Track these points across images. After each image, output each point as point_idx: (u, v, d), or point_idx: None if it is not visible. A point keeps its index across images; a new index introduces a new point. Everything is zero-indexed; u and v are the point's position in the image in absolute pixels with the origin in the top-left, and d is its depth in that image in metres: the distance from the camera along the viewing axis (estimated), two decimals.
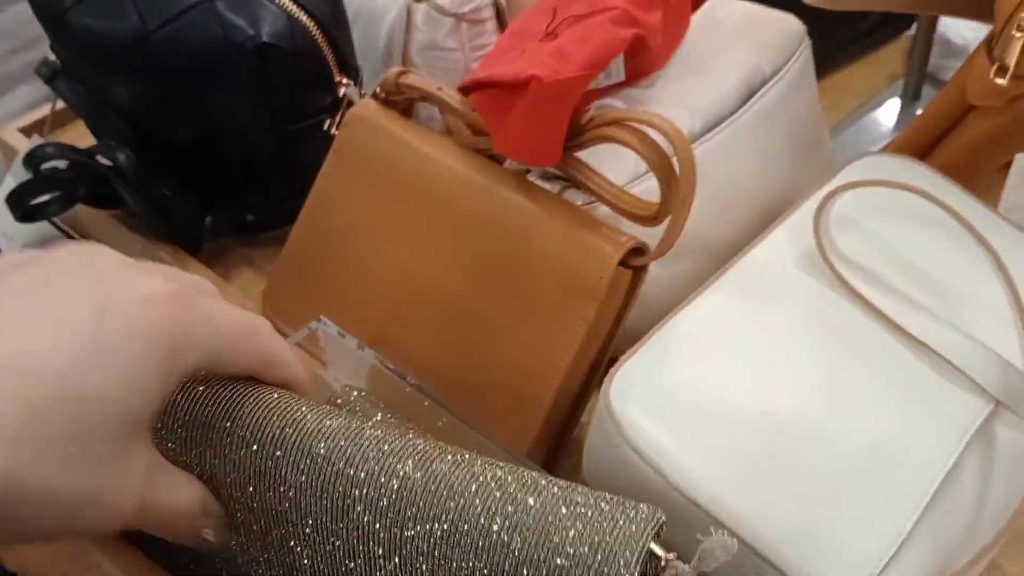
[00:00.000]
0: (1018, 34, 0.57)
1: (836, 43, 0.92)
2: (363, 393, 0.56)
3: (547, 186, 0.61)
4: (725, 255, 0.61)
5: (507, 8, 0.84)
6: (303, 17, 0.68)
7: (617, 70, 0.64)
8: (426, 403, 0.54)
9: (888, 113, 0.86)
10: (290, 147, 0.72)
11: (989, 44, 0.60)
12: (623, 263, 0.55)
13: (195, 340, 0.35)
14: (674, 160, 0.52)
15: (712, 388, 0.50)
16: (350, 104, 0.69)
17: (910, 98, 0.86)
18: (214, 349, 0.37)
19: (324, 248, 0.65)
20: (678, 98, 0.65)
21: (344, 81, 0.71)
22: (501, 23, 0.81)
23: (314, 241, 0.66)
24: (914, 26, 0.86)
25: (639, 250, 0.55)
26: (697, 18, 0.70)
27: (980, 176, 0.69)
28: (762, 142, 0.67)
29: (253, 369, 0.40)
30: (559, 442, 0.59)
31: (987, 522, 0.50)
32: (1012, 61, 0.58)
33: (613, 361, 0.54)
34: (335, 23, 0.71)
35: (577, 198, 0.60)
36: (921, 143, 0.67)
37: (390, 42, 0.77)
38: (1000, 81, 0.59)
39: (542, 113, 0.54)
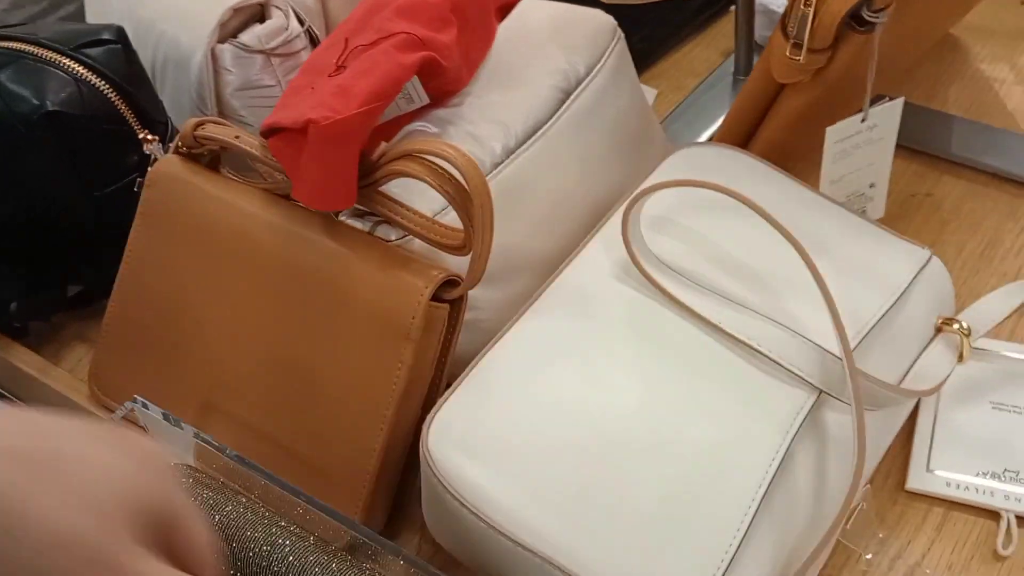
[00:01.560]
0: (807, 9, 0.57)
1: (669, 27, 0.91)
2: (189, 469, 0.53)
3: (359, 223, 0.58)
4: (557, 267, 0.60)
5: (329, 32, 0.82)
6: (93, 79, 0.65)
7: (418, 95, 0.62)
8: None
9: (724, 90, 0.86)
10: (107, 212, 0.69)
11: (784, 22, 0.59)
12: (436, 298, 0.53)
13: None
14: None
15: (532, 421, 0.49)
16: (155, 162, 0.66)
17: (742, 73, 0.85)
18: None
19: (144, 315, 0.62)
20: (490, 113, 0.63)
21: (149, 138, 0.68)
22: None
23: (133, 309, 0.63)
24: None
25: (453, 282, 0.54)
26: (505, 27, 0.68)
27: (808, 149, 0.69)
28: (582, 145, 0.66)
29: None
30: (402, 490, 0.57)
31: (827, 507, 0.49)
32: (805, 37, 0.57)
33: None
34: (130, 79, 0.67)
35: (391, 233, 0.58)
36: (743, 125, 0.66)
37: (200, 86, 0.74)
38: (797, 58, 0.58)
39: (326, 156, 0.52)
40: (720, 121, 0.83)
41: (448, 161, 0.50)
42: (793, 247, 0.49)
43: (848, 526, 0.50)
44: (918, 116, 0.78)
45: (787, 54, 0.58)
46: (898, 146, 0.67)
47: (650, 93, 0.87)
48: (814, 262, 0.48)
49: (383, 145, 0.54)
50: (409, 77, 0.56)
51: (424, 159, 0.51)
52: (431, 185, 0.51)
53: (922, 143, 0.76)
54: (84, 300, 0.73)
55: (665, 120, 0.84)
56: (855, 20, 0.57)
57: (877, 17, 0.57)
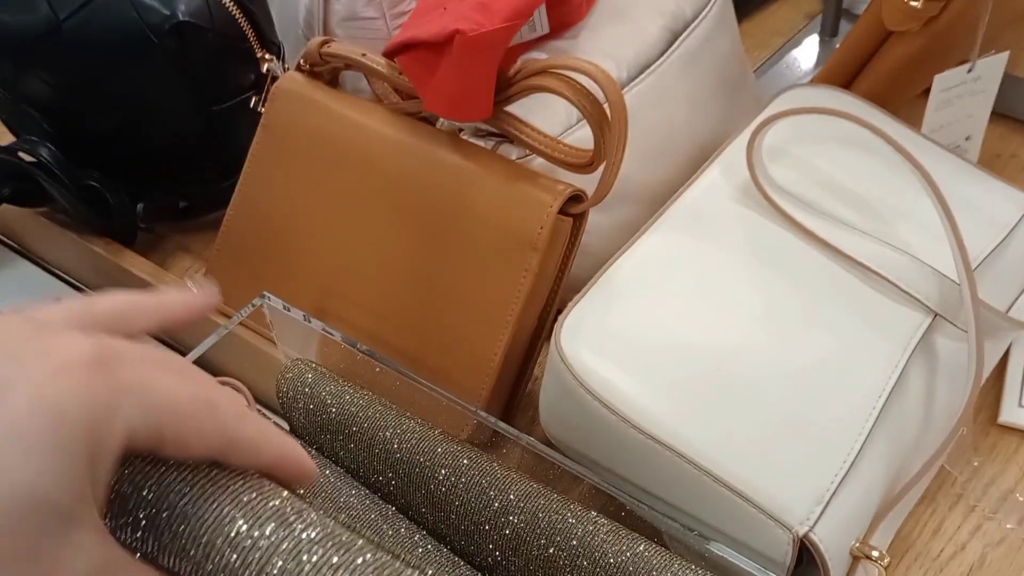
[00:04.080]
0: None
1: None
2: (313, 364, 0.55)
3: (481, 143, 0.60)
4: (663, 198, 0.62)
5: None
6: None
7: (541, 22, 0.64)
8: (378, 369, 0.54)
9: (809, 50, 0.88)
10: (219, 127, 0.71)
11: None
12: (562, 212, 0.55)
13: (124, 414, 0.30)
14: (605, 105, 0.52)
15: (659, 325, 0.51)
16: (274, 79, 0.68)
17: (828, 34, 0.87)
18: (153, 425, 0.31)
19: (260, 226, 0.65)
20: (603, 47, 0.66)
21: (267, 56, 0.70)
22: None
23: (250, 220, 0.65)
24: None
25: (577, 197, 0.56)
26: None
27: (902, 102, 0.70)
28: (689, 84, 0.68)
29: (214, 451, 0.33)
30: (513, 396, 0.59)
31: (934, 429, 0.51)
32: None
33: (560, 312, 0.54)
34: None
35: (512, 152, 0.60)
36: (844, 73, 0.68)
37: (309, 16, 0.76)
38: (914, 3, 0.60)
39: (469, 67, 0.54)
40: (806, 79, 0.85)
41: (587, 75, 0.52)
42: (916, 171, 0.50)
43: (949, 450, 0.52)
44: (1004, 82, 0.80)
45: (900, 2, 0.60)
46: None
47: None
48: (938, 186, 0.50)
49: (519, 61, 0.56)
50: (543, 1, 0.58)
51: (562, 75, 0.53)
52: (568, 99, 0.53)
53: (1008, 108, 0.78)
54: (189, 213, 0.75)
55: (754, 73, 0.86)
56: None
57: None
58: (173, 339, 0.71)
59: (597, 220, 0.61)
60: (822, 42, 0.88)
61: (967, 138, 0.68)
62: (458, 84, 0.55)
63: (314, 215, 0.63)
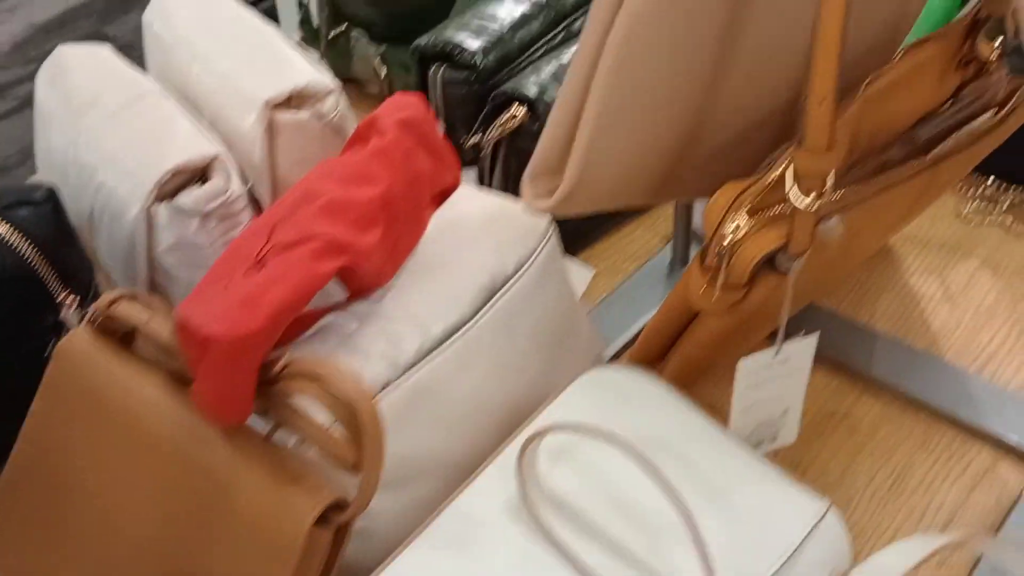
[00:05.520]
0: (723, 249, 0.57)
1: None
2: None
3: (263, 420, 0.58)
4: (467, 471, 0.59)
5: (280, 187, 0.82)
6: (16, 239, 0.65)
7: (336, 290, 0.62)
8: None
9: (660, 276, 0.87)
10: (13, 374, 0.68)
11: (702, 256, 0.59)
12: (324, 516, 0.52)
13: None
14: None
15: None
16: (68, 330, 0.65)
17: (679, 263, 0.86)
18: None
19: (35, 493, 0.61)
20: (409, 310, 0.63)
21: (68, 300, 0.67)
22: (260, 210, 0.79)
23: (24, 486, 0.62)
24: None
25: (341, 505, 0.53)
26: (438, 217, 0.68)
27: (727, 365, 0.69)
28: (503, 346, 0.66)
29: None
30: None
31: None
32: (720, 277, 0.58)
33: None
34: (56, 239, 0.67)
35: (291, 437, 0.58)
36: (658, 345, 0.67)
37: (131, 244, 0.74)
38: (711, 293, 0.58)
39: (223, 374, 0.52)
40: (653, 311, 0.83)
41: (338, 390, 0.50)
42: (676, 509, 0.48)
43: None
44: (843, 330, 0.79)
45: (700, 291, 0.59)
46: (822, 358, 0.68)
47: (586, 273, 0.88)
48: (696, 526, 0.48)
49: (287, 356, 0.53)
50: (323, 285, 0.56)
51: (321, 383, 0.51)
52: (325, 406, 0.51)
53: (845, 358, 0.77)
54: None
55: (599, 304, 0.85)
56: (772, 262, 0.58)
57: (792, 264, 0.57)
58: None
59: (384, 503, 0.58)
60: (673, 269, 0.87)
61: (784, 412, 0.66)
62: (214, 387, 0.52)
63: (86, 485, 0.59)
